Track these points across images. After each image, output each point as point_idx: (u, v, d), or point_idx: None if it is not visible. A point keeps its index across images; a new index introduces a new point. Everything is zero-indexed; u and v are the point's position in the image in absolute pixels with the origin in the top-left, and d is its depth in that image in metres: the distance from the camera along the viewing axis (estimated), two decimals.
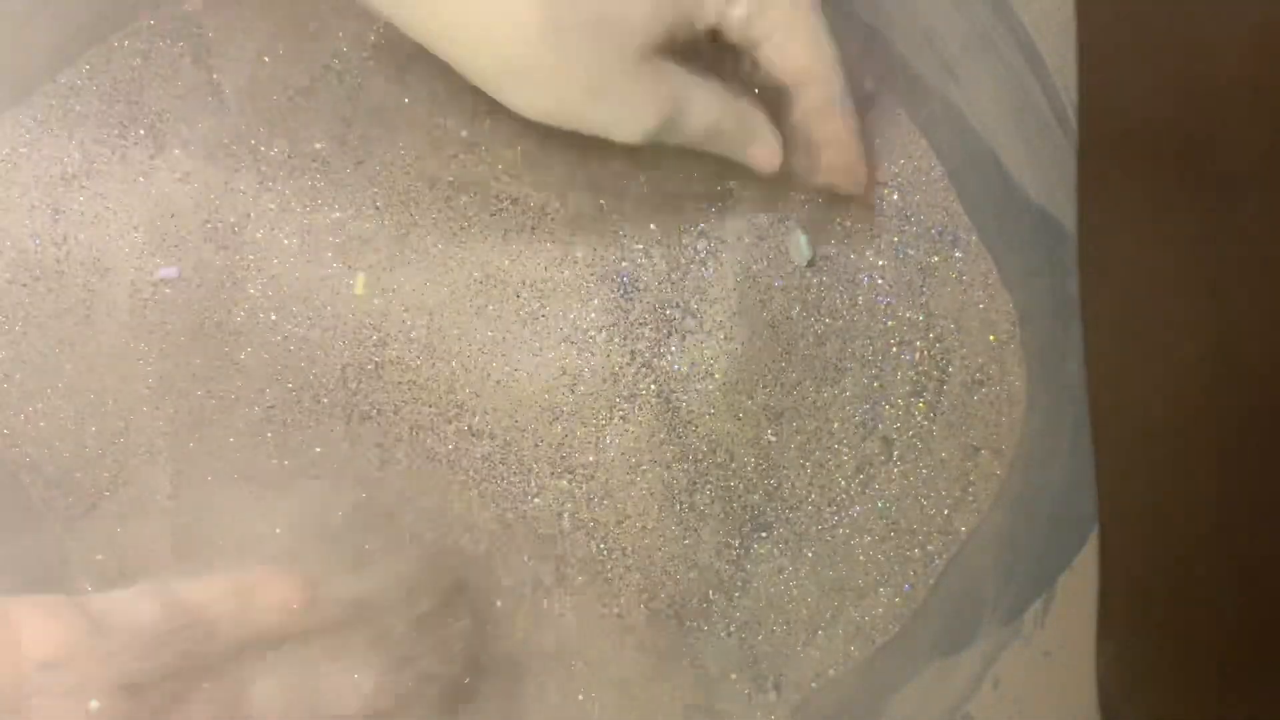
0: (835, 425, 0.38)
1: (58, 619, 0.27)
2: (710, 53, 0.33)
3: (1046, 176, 0.38)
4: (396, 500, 0.37)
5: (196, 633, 0.28)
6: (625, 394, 0.37)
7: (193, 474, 0.37)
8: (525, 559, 0.37)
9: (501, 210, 0.37)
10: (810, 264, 0.35)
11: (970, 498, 0.38)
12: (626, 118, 0.29)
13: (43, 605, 0.27)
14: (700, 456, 0.37)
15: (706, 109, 0.31)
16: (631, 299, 0.37)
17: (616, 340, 0.37)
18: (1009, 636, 0.38)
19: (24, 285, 0.36)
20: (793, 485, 0.38)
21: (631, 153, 0.37)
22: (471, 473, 0.37)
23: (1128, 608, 0.24)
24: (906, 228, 0.38)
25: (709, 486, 0.38)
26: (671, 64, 0.29)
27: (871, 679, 0.39)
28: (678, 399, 0.37)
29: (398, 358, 0.37)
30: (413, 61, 0.37)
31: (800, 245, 0.35)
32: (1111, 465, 0.23)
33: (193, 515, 0.37)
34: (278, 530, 0.37)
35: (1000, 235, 0.38)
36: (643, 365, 0.37)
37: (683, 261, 0.37)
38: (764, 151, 0.33)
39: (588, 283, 0.37)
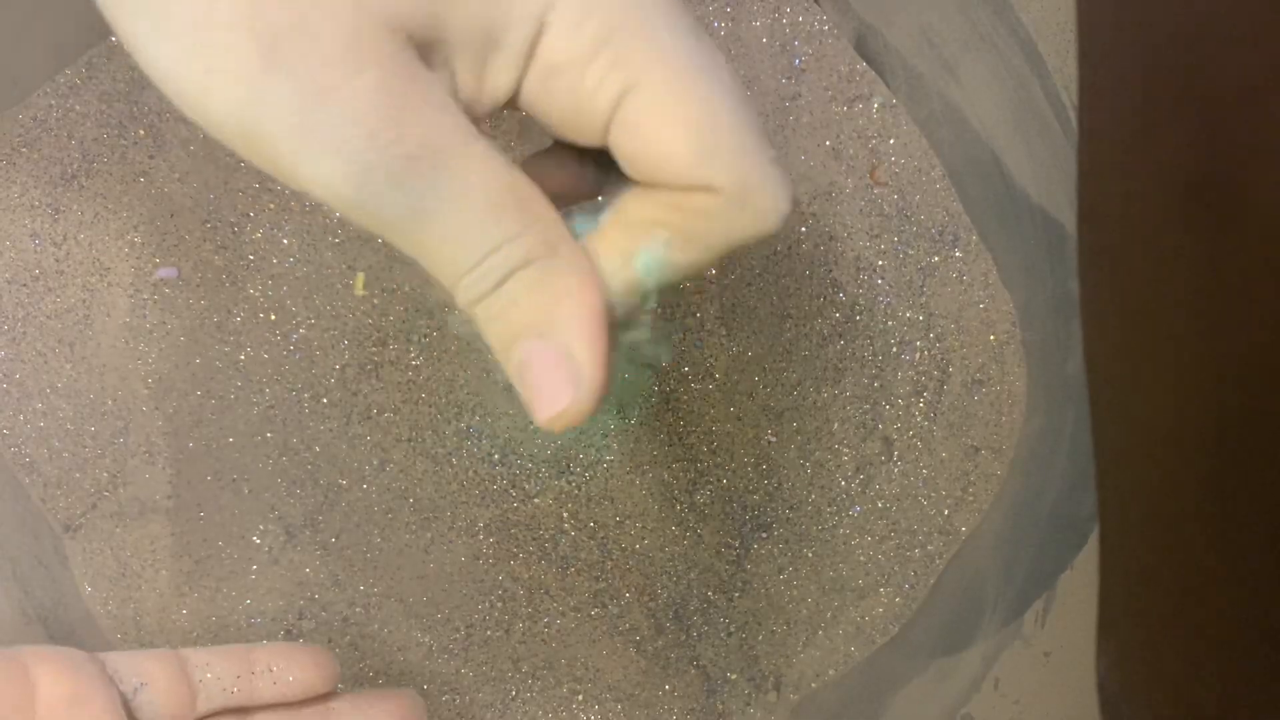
0: (835, 425, 0.38)
1: (74, 670, 0.26)
2: None
3: (1047, 176, 0.38)
4: (396, 500, 0.37)
5: (202, 699, 0.29)
6: (625, 394, 0.37)
7: (192, 474, 0.37)
8: (525, 559, 0.37)
9: None
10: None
11: (970, 498, 0.38)
12: (320, 121, 0.17)
13: (60, 656, 0.27)
14: (700, 456, 0.37)
15: (477, 225, 0.19)
16: None
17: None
18: (1009, 637, 0.38)
19: (24, 285, 0.36)
20: (793, 485, 0.38)
21: None
22: (471, 473, 0.37)
23: (1128, 608, 0.24)
24: (906, 227, 0.38)
25: (709, 486, 0.38)
26: (451, 101, 0.19)
27: (871, 679, 0.39)
28: (678, 399, 0.37)
29: (398, 358, 0.37)
30: None
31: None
32: (1111, 465, 0.23)
33: (192, 515, 0.37)
34: (276, 532, 0.37)
35: (1000, 235, 0.38)
36: (643, 365, 0.37)
37: None
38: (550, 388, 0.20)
39: None
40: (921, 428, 0.38)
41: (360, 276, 0.37)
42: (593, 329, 0.20)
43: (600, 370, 0.20)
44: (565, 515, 0.37)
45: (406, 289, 0.37)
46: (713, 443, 0.37)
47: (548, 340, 0.20)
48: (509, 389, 0.37)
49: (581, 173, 0.23)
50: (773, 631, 0.38)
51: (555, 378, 0.20)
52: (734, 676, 0.38)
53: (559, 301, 0.20)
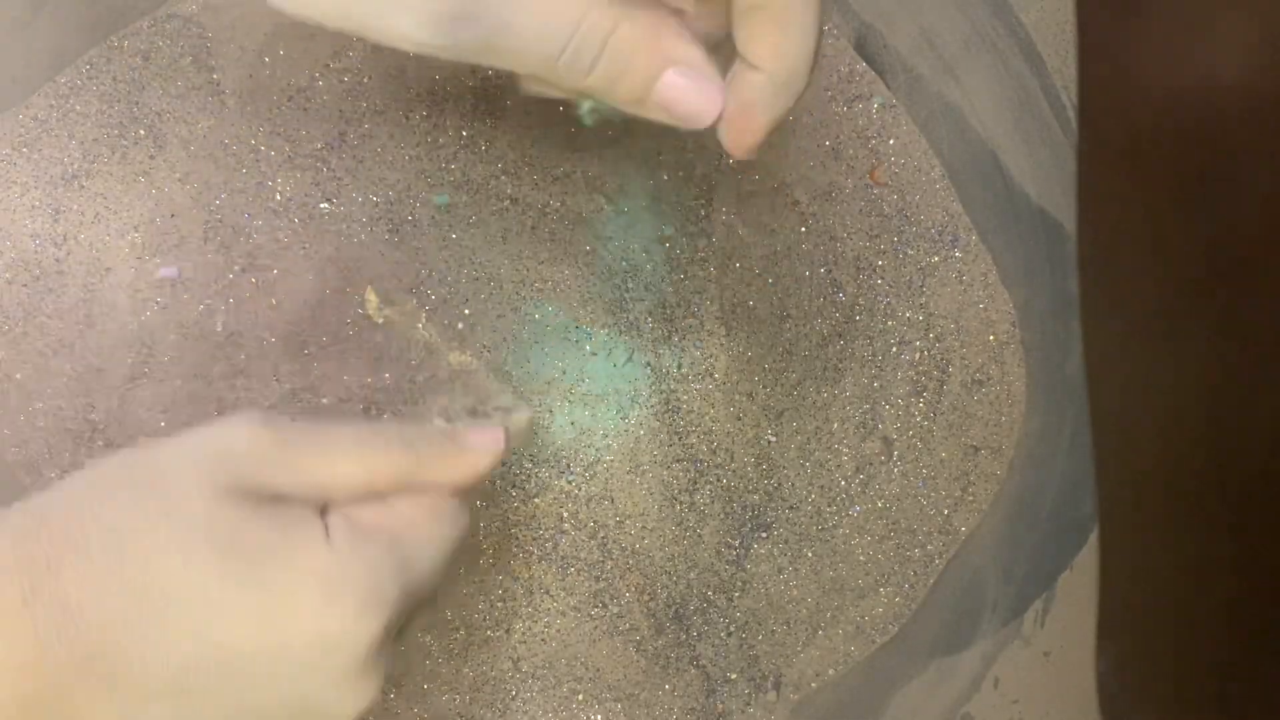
0: (835, 425, 0.38)
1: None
2: None
3: (1046, 176, 0.38)
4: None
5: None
6: (625, 394, 0.37)
7: None
8: (525, 559, 0.37)
9: (502, 210, 0.37)
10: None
11: (970, 498, 0.38)
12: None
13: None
14: (700, 456, 0.37)
15: (543, 25, 0.23)
16: (631, 299, 0.37)
17: (617, 340, 0.37)
18: (1009, 636, 0.38)
19: (24, 285, 0.36)
20: (793, 485, 0.38)
21: (633, 152, 0.37)
22: None
23: (1128, 607, 0.24)
24: (906, 228, 0.38)
25: (709, 486, 0.38)
26: None
27: (871, 679, 0.39)
28: (678, 399, 0.37)
29: (397, 357, 0.37)
30: (412, 61, 0.37)
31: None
32: (1111, 465, 0.23)
33: None
34: None
35: (1000, 235, 0.38)
36: (643, 365, 0.37)
37: (683, 261, 0.37)
38: (685, 97, 0.25)
39: (588, 282, 0.37)
40: (921, 427, 0.38)
41: (370, 293, 0.37)
42: (691, 43, 0.25)
43: (713, 69, 0.25)
44: (565, 515, 0.37)
45: (409, 291, 0.37)
46: (713, 443, 0.37)
47: (676, 67, 0.24)
48: (516, 390, 0.37)
49: None
50: (773, 631, 0.38)
51: (702, 88, 0.25)
52: (734, 676, 0.38)
53: (660, 38, 0.24)
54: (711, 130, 0.39)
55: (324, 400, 0.37)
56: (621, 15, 0.23)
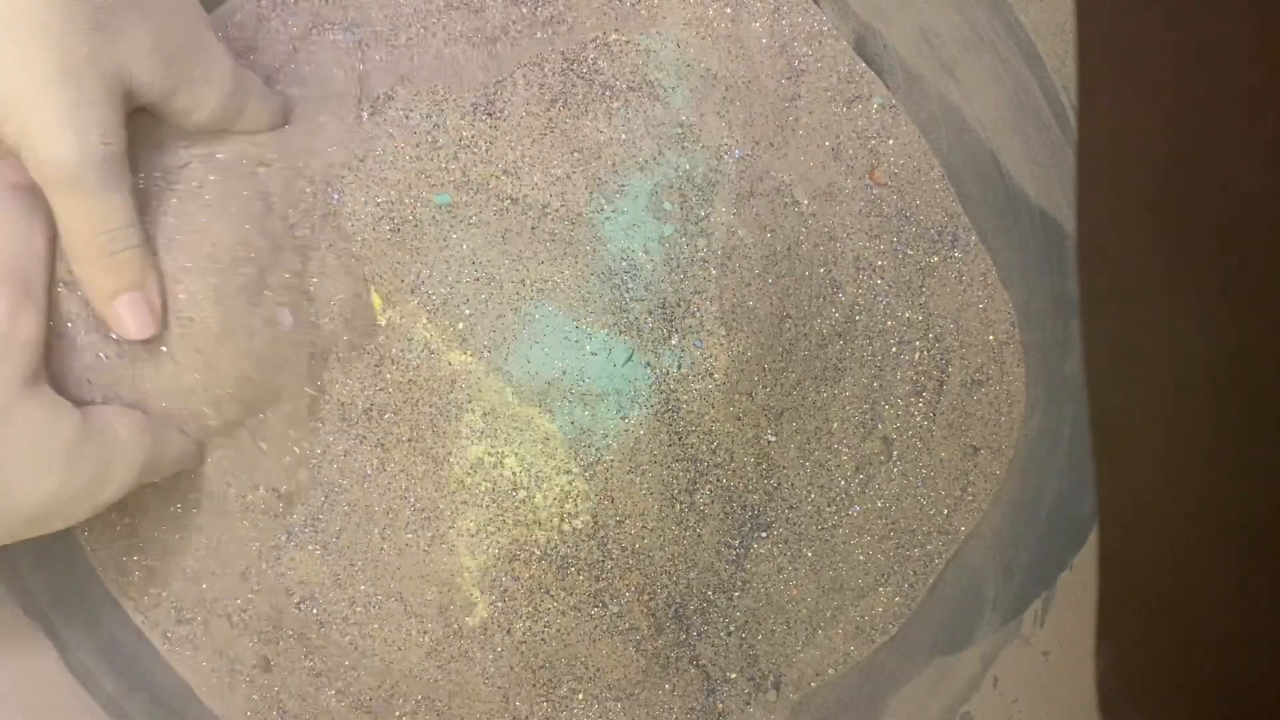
0: (835, 425, 0.38)
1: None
2: None
3: (1046, 176, 0.38)
4: (396, 500, 0.37)
5: None
6: (625, 394, 0.37)
7: (193, 474, 0.37)
8: (525, 560, 0.37)
9: (502, 210, 0.37)
10: None
11: (970, 497, 0.38)
12: (62, 135, 0.30)
13: None
14: (700, 456, 0.37)
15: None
16: (631, 298, 0.37)
17: (616, 340, 0.37)
18: (1008, 636, 0.38)
19: None
20: (793, 485, 0.38)
21: (633, 152, 0.37)
22: (471, 473, 0.37)
23: (1127, 607, 0.24)
24: (906, 228, 0.38)
25: (709, 486, 0.38)
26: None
27: (871, 678, 0.39)
28: (678, 399, 0.37)
29: (398, 357, 0.37)
30: (414, 62, 0.37)
31: None
32: (1111, 465, 0.23)
33: (194, 515, 0.37)
34: (278, 532, 0.37)
35: (1000, 235, 0.38)
36: (643, 365, 0.37)
37: (683, 261, 0.37)
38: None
39: (588, 282, 0.37)
40: (921, 428, 0.38)
41: (376, 297, 0.37)
42: (160, 287, 0.33)
43: (161, 309, 0.33)
44: (565, 515, 0.37)
45: (407, 289, 0.37)
46: (713, 443, 0.38)
47: (143, 291, 0.32)
48: (508, 388, 0.37)
49: None
50: (772, 631, 0.38)
51: (145, 314, 0.33)
52: (734, 676, 0.38)
53: (147, 272, 0.33)
54: (712, 130, 0.39)
55: (324, 400, 0.37)
56: (138, 245, 0.32)
